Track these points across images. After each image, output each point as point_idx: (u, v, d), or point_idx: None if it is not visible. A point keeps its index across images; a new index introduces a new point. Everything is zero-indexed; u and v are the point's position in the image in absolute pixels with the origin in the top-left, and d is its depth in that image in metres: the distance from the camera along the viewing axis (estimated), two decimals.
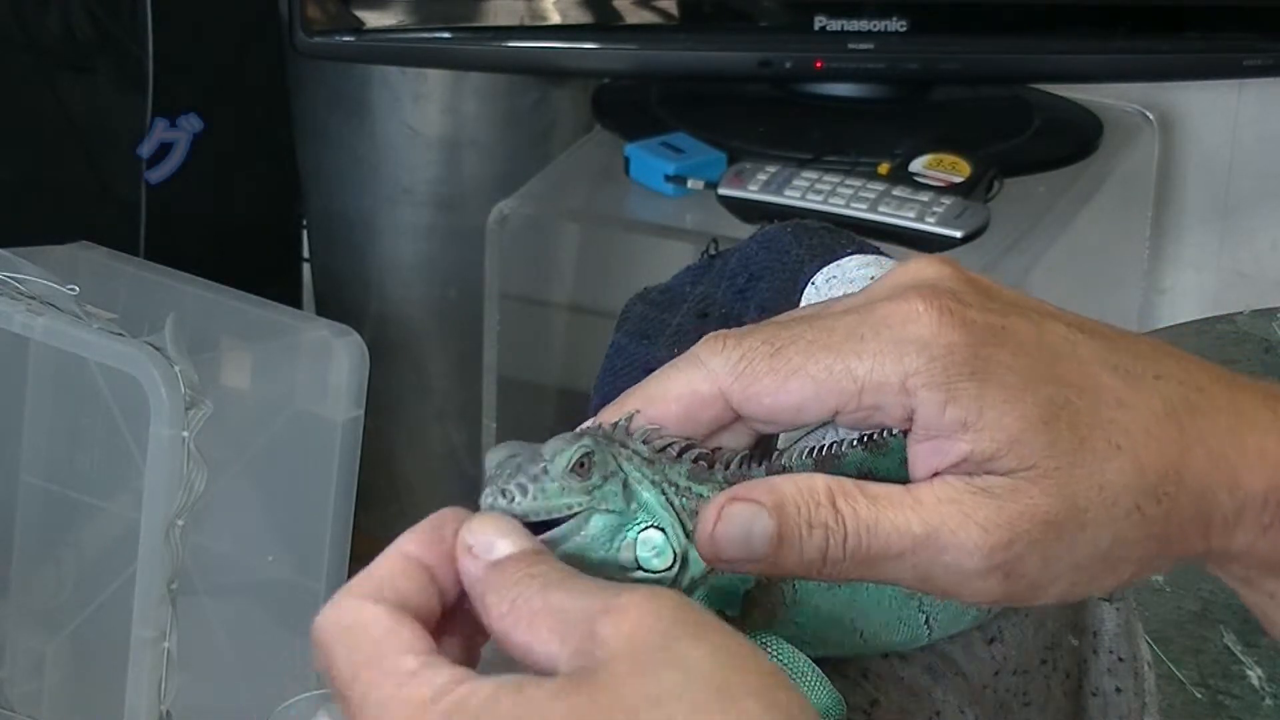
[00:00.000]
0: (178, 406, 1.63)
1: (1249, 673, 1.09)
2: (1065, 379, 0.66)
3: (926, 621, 0.76)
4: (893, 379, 0.66)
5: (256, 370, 1.79)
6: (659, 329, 0.96)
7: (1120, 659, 0.85)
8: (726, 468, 0.70)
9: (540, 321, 2.34)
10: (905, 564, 0.66)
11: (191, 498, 1.66)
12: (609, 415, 0.70)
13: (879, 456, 0.70)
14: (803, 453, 0.71)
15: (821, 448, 0.71)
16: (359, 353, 1.77)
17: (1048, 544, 0.66)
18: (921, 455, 0.67)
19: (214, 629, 1.77)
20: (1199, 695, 1.07)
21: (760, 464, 0.70)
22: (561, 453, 0.67)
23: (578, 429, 0.70)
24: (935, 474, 0.67)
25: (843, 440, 0.71)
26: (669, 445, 0.70)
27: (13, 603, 1.84)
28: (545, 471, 0.67)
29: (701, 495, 0.69)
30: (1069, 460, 0.66)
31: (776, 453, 0.71)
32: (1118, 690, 0.85)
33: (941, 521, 0.66)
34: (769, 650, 0.70)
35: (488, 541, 0.62)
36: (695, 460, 0.69)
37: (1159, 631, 1.09)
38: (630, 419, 0.70)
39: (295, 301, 2.37)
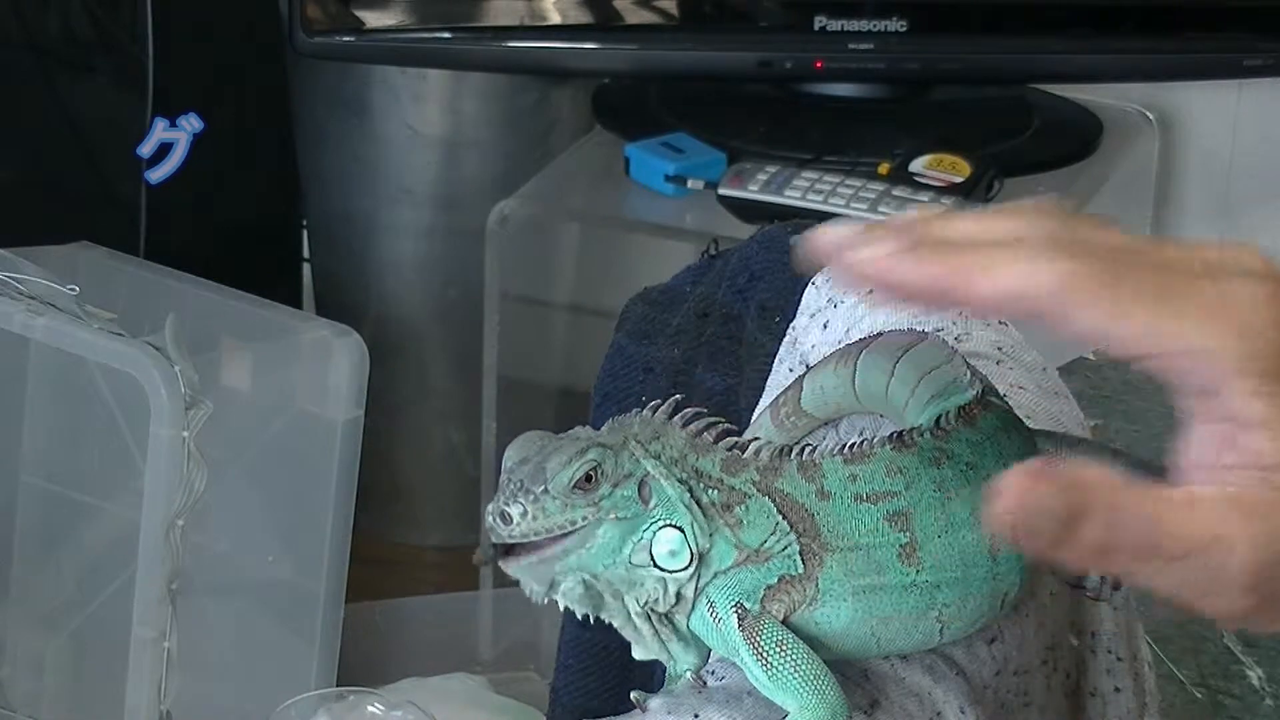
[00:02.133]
0: (178, 406, 1.63)
1: (1249, 673, 1.09)
2: None
3: (940, 631, 0.76)
4: (1214, 350, 0.65)
5: (256, 370, 1.79)
6: (659, 329, 0.96)
7: (1120, 659, 0.85)
8: (758, 455, 0.70)
9: (540, 321, 2.34)
10: (1176, 569, 0.65)
11: (191, 498, 1.66)
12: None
13: (907, 455, 0.70)
14: (833, 448, 0.71)
15: (851, 444, 0.71)
16: (359, 353, 1.77)
17: None
18: (1206, 437, 0.66)
19: (214, 629, 1.77)
20: (1199, 695, 1.07)
21: (793, 456, 0.70)
22: (564, 469, 0.67)
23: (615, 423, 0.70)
24: (1213, 466, 0.66)
25: (873, 438, 0.71)
26: (707, 430, 0.69)
27: (13, 603, 1.84)
28: (546, 490, 0.67)
29: (734, 488, 0.69)
30: None
31: (809, 447, 0.71)
32: (1117, 690, 0.85)
33: (1226, 531, 0.65)
34: (784, 649, 0.70)
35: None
36: (730, 449, 0.69)
37: (1159, 631, 1.09)
38: (674, 403, 0.70)
39: (295, 301, 2.36)
